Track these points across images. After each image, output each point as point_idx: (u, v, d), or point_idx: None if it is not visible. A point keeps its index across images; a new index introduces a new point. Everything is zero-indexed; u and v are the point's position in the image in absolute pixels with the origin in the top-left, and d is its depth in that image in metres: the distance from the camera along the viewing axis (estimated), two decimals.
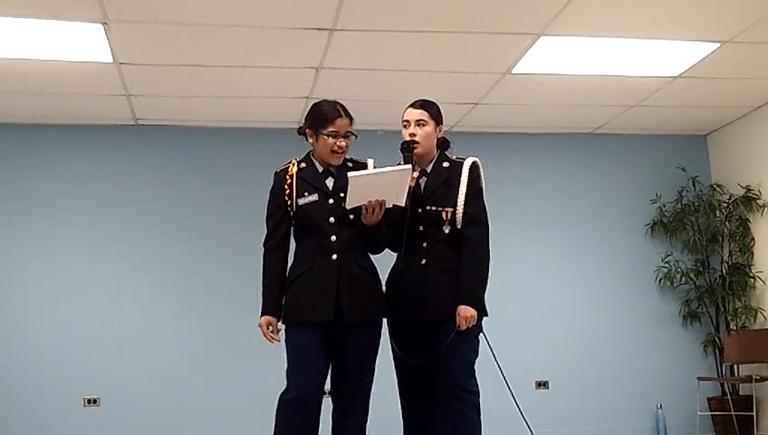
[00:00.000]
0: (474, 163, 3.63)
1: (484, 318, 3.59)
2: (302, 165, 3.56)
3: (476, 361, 3.54)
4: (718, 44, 5.65)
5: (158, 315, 6.80)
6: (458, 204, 3.52)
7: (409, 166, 3.45)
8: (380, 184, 3.36)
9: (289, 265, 3.55)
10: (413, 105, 3.64)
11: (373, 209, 3.38)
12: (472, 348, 3.51)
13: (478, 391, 3.49)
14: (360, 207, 3.42)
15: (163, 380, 6.69)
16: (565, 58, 5.82)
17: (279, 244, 3.53)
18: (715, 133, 7.80)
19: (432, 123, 3.60)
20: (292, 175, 3.52)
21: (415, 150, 3.55)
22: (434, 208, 3.54)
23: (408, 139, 3.57)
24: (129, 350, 6.67)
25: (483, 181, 3.64)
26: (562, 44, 5.56)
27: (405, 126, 3.61)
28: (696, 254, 7.48)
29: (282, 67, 5.80)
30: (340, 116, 3.50)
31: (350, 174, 3.31)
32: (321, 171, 3.54)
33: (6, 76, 5.82)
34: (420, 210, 3.55)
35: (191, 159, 7.10)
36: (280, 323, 3.48)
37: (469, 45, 5.51)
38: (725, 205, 7.42)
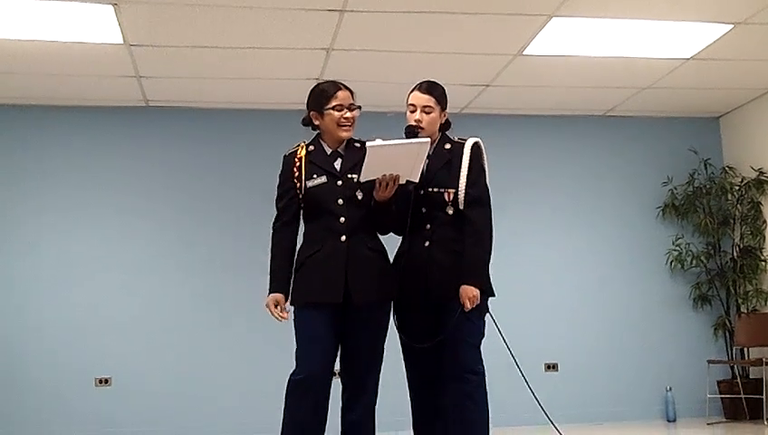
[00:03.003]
0: (475, 144, 3.61)
1: (494, 299, 3.59)
2: (311, 148, 3.55)
3: (484, 342, 3.54)
4: (731, 26, 5.60)
5: (168, 297, 6.84)
6: (460, 185, 3.51)
7: (428, 139, 3.43)
8: (397, 156, 3.33)
9: (298, 247, 3.56)
10: (419, 88, 3.61)
11: (387, 184, 3.37)
12: (478, 329, 3.51)
13: (484, 372, 3.49)
14: (370, 186, 3.41)
15: (173, 360, 6.74)
16: (577, 39, 5.79)
17: (287, 225, 3.53)
18: (728, 116, 7.75)
19: (438, 109, 3.58)
20: (301, 158, 3.51)
21: (419, 136, 3.53)
22: (436, 190, 3.53)
23: (413, 123, 3.56)
24: (140, 331, 6.72)
25: (485, 162, 3.63)
26: (574, 26, 5.53)
27: (410, 110, 3.59)
28: (707, 237, 7.46)
29: (292, 48, 5.79)
30: (341, 89, 3.51)
31: (368, 144, 3.28)
32: (329, 153, 3.53)
33: (17, 58, 5.83)
34: (423, 192, 3.54)
35: (202, 141, 7.11)
36: (288, 304, 3.49)
37: (480, 26, 5.48)
38: (737, 188, 7.40)
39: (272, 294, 3.47)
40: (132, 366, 6.66)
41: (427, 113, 3.56)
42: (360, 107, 3.54)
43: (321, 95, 3.51)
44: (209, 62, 6.02)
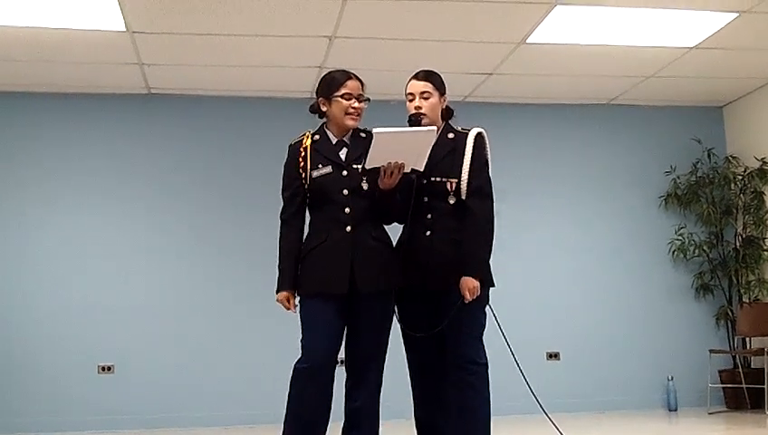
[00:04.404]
0: (479, 134, 3.60)
1: (496, 288, 3.59)
2: (316, 137, 3.55)
3: (486, 332, 3.54)
4: (736, 14, 5.58)
5: (170, 284, 6.85)
6: (463, 175, 3.49)
7: (434, 127, 3.43)
8: (403, 144, 3.32)
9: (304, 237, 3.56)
10: (416, 77, 3.61)
11: (392, 172, 3.36)
12: (479, 321, 3.50)
13: (487, 362, 3.49)
14: (375, 175, 3.41)
15: (176, 348, 6.75)
16: (581, 28, 5.77)
17: (294, 216, 3.54)
18: (732, 105, 7.73)
19: (436, 94, 3.57)
20: (306, 147, 3.51)
21: (421, 123, 3.52)
22: (438, 179, 3.51)
23: (413, 112, 3.55)
24: (143, 319, 6.74)
25: (488, 152, 3.62)
26: (578, 14, 5.51)
27: (410, 99, 3.58)
28: (709, 226, 7.45)
29: (295, 36, 5.77)
30: (351, 78, 3.52)
31: (375, 129, 3.27)
32: (334, 143, 3.53)
33: (20, 45, 5.81)
34: (425, 181, 3.53)
35: (204, 129, 7.10)
36: (296, 300, 3.50)
37: (484, 14, 5.46)
38: (740, 177, 7.39)
39: (281, 293, 3.48)
40: (135, 353, 6.68)
41: (426, 99, 3.55)
42: (368, 99, 3.53)
43: (332, 82, 3.51)
44: (212, 50, 6.00)
